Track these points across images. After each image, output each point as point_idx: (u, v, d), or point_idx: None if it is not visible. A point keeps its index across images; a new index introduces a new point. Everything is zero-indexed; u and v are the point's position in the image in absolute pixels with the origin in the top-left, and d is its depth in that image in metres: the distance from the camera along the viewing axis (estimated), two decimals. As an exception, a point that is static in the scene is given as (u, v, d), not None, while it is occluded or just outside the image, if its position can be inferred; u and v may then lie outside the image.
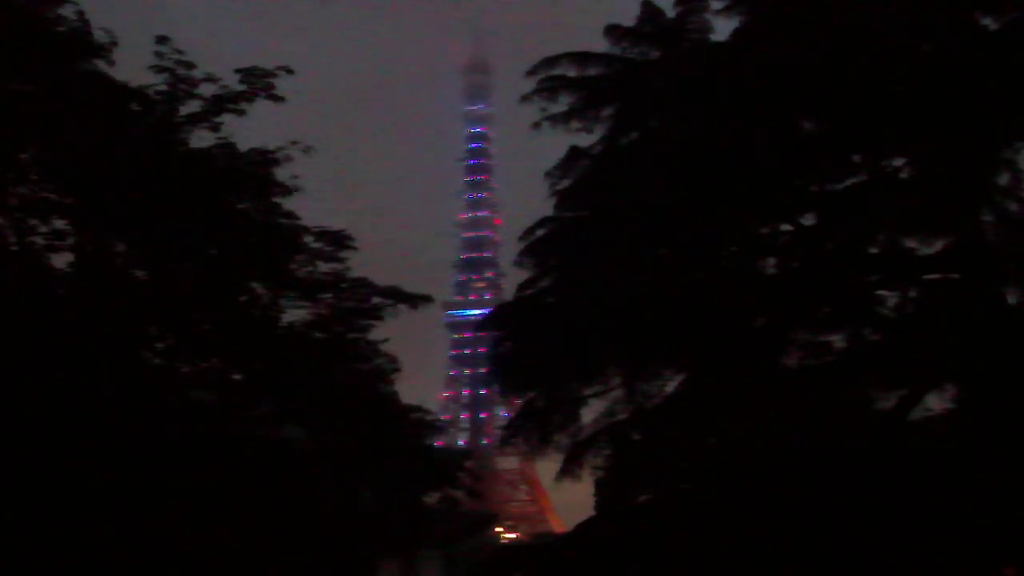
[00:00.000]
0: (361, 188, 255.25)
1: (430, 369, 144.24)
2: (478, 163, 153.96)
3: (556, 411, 15.62)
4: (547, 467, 17.08)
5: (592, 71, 15.76)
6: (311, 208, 19.47)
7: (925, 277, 14.01)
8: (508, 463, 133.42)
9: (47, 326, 15.21)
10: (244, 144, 18.08)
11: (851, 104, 12.79)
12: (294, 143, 18.17)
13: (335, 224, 20.17)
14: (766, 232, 14.75)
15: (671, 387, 14.97)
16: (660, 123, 15.20)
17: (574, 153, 15.62)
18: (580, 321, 13.99)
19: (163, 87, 17.26)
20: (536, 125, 15.71)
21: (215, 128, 17.64)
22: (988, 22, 12.90)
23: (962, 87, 12.12)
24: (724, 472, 13.70)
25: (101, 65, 16.53)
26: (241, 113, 17.73)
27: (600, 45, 15.87)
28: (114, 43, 16.53)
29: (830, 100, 13.00)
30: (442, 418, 61.93)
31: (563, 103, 15.62)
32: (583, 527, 16.01)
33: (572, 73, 15.76)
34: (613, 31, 15.80)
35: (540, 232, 15.80)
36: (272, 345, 18.81)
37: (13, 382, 14.64)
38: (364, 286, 20.96)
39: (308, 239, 19.54)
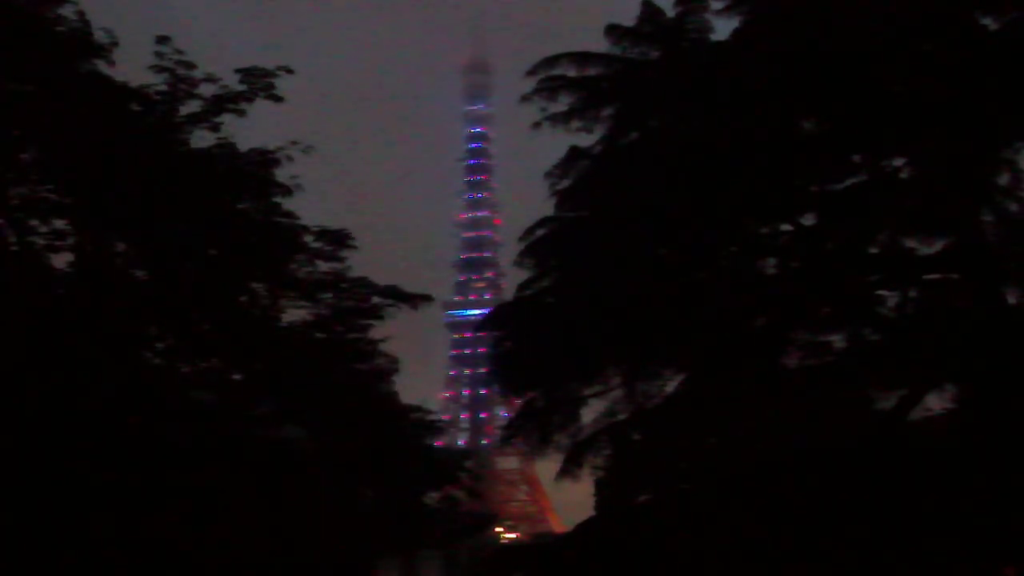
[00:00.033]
0: (361, 188, 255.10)
1: (430, 369, 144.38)
2: (478, 163, 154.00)
3: (556, 411, 15.63)
4: (547, 467, 17.14)
5: (592, 71, 15.76)
6: (311, 208, 19.49)
7: (925, 277, 14.01)
8: (508, 463, 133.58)
9: (47, 326, 15.21)
10: (244, 144, 18.10)
11: (851, 104, 12.79)
12: (294, 143, 18.18)
13: (335, 224, 20.19)
14: (766, 232, 14.74)
15: (671, 387, 14.98)
16: (660, 123, 15.19)
17: (574, 153, 15.62)
18: (580, 321, 14.00)
19: (163, 87, 17.26)
20: (536, 125, 15.71)
21: (215, 128, 17.64)
22: (988, 22, 12.90)
23: (962, 87, 12.13)
24: (724, 472, 13.70)
25: (101, 65, 16.53)
26: (241, 113, 17.74)
27: (600, 45, 15.89)
28: (114, 43, 16.53)
29: (830, 100, 13.00)
30: (442, 418, 61.90)
31: (563, 103, 15.62)
32: (583, 527, 16.02)
33: (572, 73, 15.76)
34: (613, 31, 15.79)
35: (540, 232, 15.80)
36: (272, 345, 18.80)
37: (13, 382, 14.64)
38: (364, 286, 20.96)
39: (308, 239, 19.54)
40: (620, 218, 14.12)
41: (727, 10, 14.64)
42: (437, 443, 38.24)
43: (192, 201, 16.81)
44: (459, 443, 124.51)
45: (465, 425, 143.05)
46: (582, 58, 15.77)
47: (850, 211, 13.88)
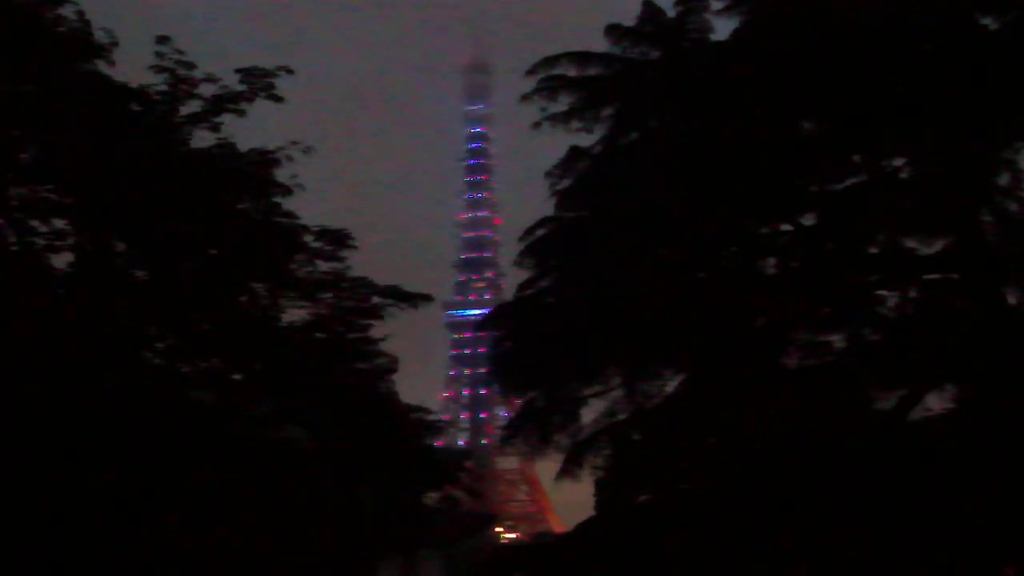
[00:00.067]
0: (361, 188, 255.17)
1: (430, 369, 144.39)
2: (478, 163, 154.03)
3: (556, 411, 15.63)
4: (547, 467, 17.12)
5: (592, 71, 15.76)
6: (311, 208, 19.50)
7: (925, 277, 14.01)
8: (508, 463, 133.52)
9: (47, 326, 15.21)
10: (244, 144, 18.10)
11: (851, 104, 12.79)
12: (294, 143, 18.18)
13: (335, 224, 20.19)
14: (766, 232, 14.74)
15: (671, 387, 14.98)
16: (660, 123, 15.19)
17: (574, 153, 15.63)
18: (580, 321, 14.00)
19: (163, 87, 17.26)
20: (536, 125, 15.72)
21: (215, 128, 17.64)
22: (988, 22, 12.90)
23: (962, 87, 12.12)
24: (724, 472, 13.70)
25: (101, 65, 16.53)
26: (241, 113, 17.74)
27: (600, 45, 15.90)
28: (114, 43, 16.53)
29: (830, 100, 13.00)
30: (442, 418, 61.95)
31: (563, 103, 15.62)
32: (583, 527, 16.02)
33: (572, 73, 15.77)
34: (613, 31, 15.80)
35: (540, 232, 15.81)
36: (272, 345, 18.81)
37: (13, 382, 14.64)
38: (364, 286, 20.96)
39: (308, 238, 19.54)
40: (620, 218, 14.12)
41: (727, 10, 14.64)
42: (437, 443, 38.26)
43: (192, 201, 16.81)
44: (459, 443, 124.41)
45: (465, 425, 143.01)
46: (582, 58, 15.77)
47: (850, 211, 13.87)
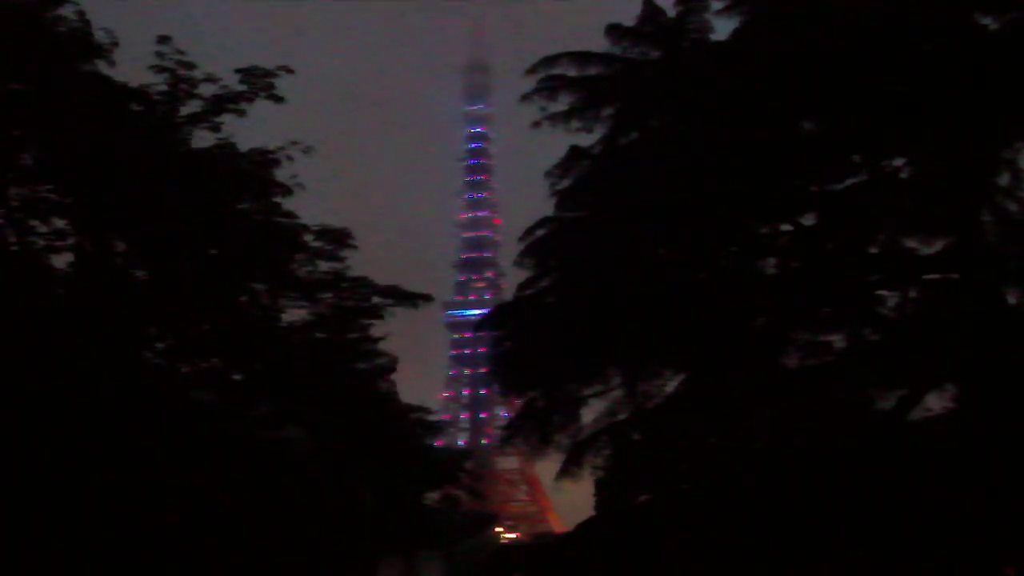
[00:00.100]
0: (361, 188, 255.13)
1: (430, 369, 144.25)
2: (478, 163, 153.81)
3: (556, 411, 15.62)
4: (547, 467, 17.10)
5: (592, 71, 15.76)
6: (311, 208, 19.52)
7: (925, 277, 14.01)
8: (508, 463, 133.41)
9: (47, 326, 15.21)
10: (244, 144, 18.11)
11: (851, 104, 12.79)
12: (294, 143, 18.20)
13: (335, 223, 20.21)
14: (766, 232, 14.74)
15: (671, 387, 14.97)
16: (660, 123, 15.19)
17: (574, 153, 15.62)
18: (580, 321, 13.99)
19: (163, 87, 17.27)
20: (536, 124, 15.71)
21: (215, 128, 17.65)
22: (988, 22, 12.90)
23: (962, 87, 12.12)
24: (724, 472, 13.70)
25: (101, 66, 16.54)
26: (241, 113, 17.76)
27: (600, 45, 15.89)
28: (115, 44, 16.54)
29: (830, 100, 12.99)
30: (442, 418, 61.94)
31: (563, 103, 15.62)
32: (583, 527, 16.01)
33: (572, 73, 15.76)
34: (613, 31, 15.79)
35: (540, 232, 15.80)
36: (272, 345, 18.82)
37: (13, 382, 14.64)
38: (364, 285, 20.99)
39: (308, 238, 19.56)
40: (620, 218, 14.11)
41: (727, 10, 14.64)
42: (437, 443, 38.30)
43: (192, 201, 16.81)
44: (459, 443, 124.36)
45: (465, 425, 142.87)
46: (582, 58, 15.77)
47: (850, 211, 13.87)
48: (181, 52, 17.19)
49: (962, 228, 13.25)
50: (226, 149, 17.81)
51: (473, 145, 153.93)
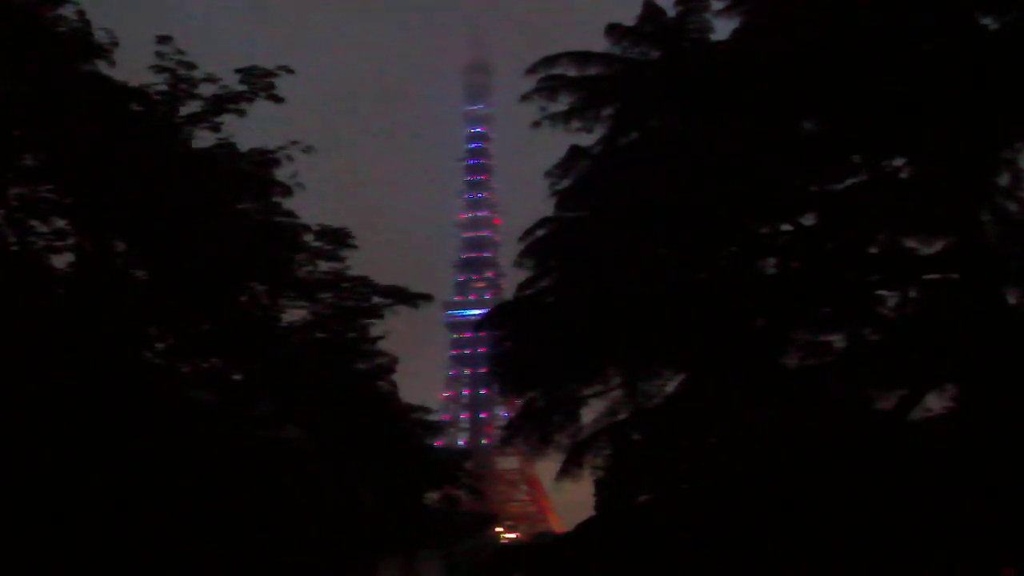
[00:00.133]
0: (361, 188, 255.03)
1: (430, 369, 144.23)
2: (478, 163, 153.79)
3: (556, 411, 15.61)
4: (547, 467, 17.11)
5: (592, 71, 15.75)
6: (311, 207, 19.53)
7: (925, 277, 14.01)
8: (508, 463, 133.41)
9: (47, 326, 15.21)
10: (244, 144, 18.11)
11: (851, 104, 12.79)
12: (294, 143, 18.20)
13: (335, 224, 20.22)
14: (766, 232, 14.74)
15: (671, 387, 14.97)
16: (660, 123, 15.19)
17: (574, 153, 15.62)
18: (580, 321, 13.99)
19: (164, 87, 17.27)
20: (536, 124, 15.71)
21: (215, 128, 17.66)
22: (988, 22, 12.90)
23: (962, 87, 12.12)
24: (724, 472, 13.70)
25: (102, 66, 16.54)
26: (241, 113, 17.77)
27: (600, 45, 15.90)
28: (115, 44, 16.54)
29: (830, 100, 12.99)
30: (442, 418, 61.93)
31: (563, 103, 15.62)
32: (583, 527, 16.01)
33: (572, 73, 15.76)
34: (613, 31, 15.79)
35: (540, 232, 15.80)
36: (272, 345, 18.82)
37: (13, 382, 14.64)
38: (364, 285, 20.99)
39: (308, 238, 19.56)
40: (620, 218, 14.11)
41: (727, 10, 14.64)
42: (437, 443, 38.29)
43: (192, 201, 16.81)
44: (459, 443, 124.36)
45: (465, 425, 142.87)
46: (582, 58, 15.77)
47: (850, 211, 13.87)
48: (181, 52, 17.20)
49: (962, 228, 13.25)
50: (226, 149, 17.81)
51: (473, 145, 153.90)
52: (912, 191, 13.52)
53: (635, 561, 14.04)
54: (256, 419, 19.42)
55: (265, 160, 18.12)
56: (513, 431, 16.37)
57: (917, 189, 13.53)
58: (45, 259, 16.64)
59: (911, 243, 13.70)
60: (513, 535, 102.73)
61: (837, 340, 13.97)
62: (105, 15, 16.85)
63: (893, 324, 13.76)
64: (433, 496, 29.89)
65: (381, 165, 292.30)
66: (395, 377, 25.10)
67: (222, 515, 16.62)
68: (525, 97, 15.74)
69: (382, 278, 21.44)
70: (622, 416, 15.09)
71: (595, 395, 15.34)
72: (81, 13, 16.19)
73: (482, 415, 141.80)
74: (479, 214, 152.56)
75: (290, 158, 18.14)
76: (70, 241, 16.79)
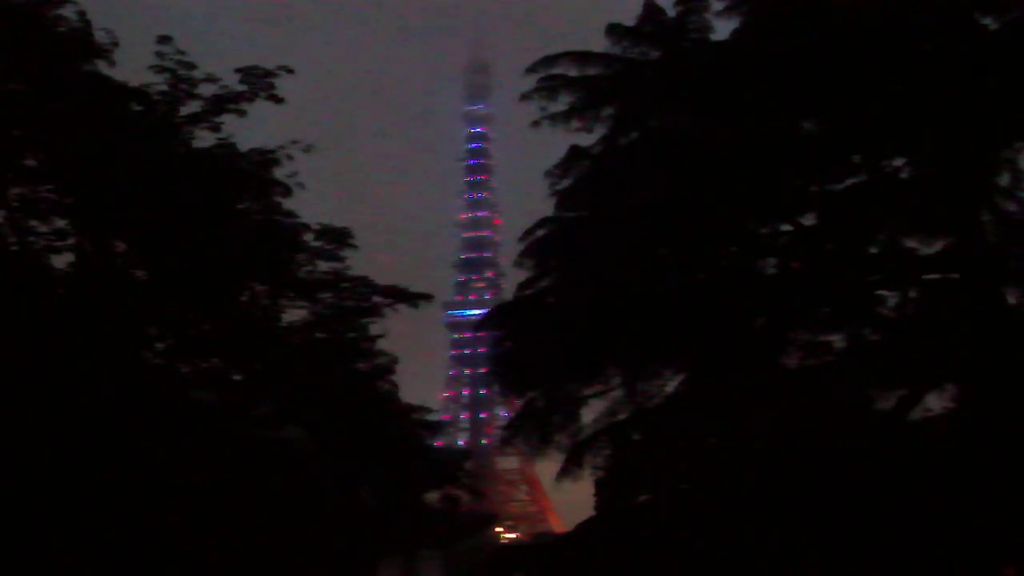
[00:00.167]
0: (361, 188, 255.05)
1: (430, 369, 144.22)
2: (478, 163, 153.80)
3: (556, 411, 15.62)
4: (547, 467, 17.10)
5: (592, 71, 15.75)
6: (312, 207, 19.51)
7: (925, 277, 14.01)
8: (508, 463, 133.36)
9: (47, 326, 15.21)
10: (244, 144, 18.10)
11: (851, 104, 12.79)
12: (294, 142, 18.19)
13: (336, 223, 20.19)
14: (766, 232, 14.74)
15: (671, 387, 14.97)
16: (660, 123, 15.19)
17: (574, 153, 15.62)
18: (580, 321, 13.99)
19: (164, 87, 17.26)
20: (536, 124, 15.71)
21: (215, 128, 17.65)
22: (988, 22, 12.90)
23: (962, 87, 12.12)
24: (724, 472, 13.70)
25: (102, 66, 16.54)
26: (242, 114, 17.75)
27: (600, 45, 15.89)
28: (115, 44, 16.54)
29: (830, 100, 12.99)
30: (442, 418, 61.93)
31: (563, 102, 15.62)
32: (583, 527, 16.02)
33: (572, 72, 15.76)
34: (613, 31, 15.79)
35: (540, 232, 15.80)
36: (272, 345, 18.81)
37: (13, 382, 14.64)
38: (364, 285, 20.97)
39: (308, 237, 19.54)
40: (620, 218, 14.11)
41: (727, 10, 14.64)
42: (437, 443, 38.28)
43: (192, 201, 16.81)
44: (459, 443, 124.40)
45: (465, 425, 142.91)
46: (582, 57, 15.76)
47: (850, 211, 13.87)
48: (181, 52, 17.19)
49: (962, 228, 13.26)
50: (226, 149, 17.79)
51: (473, 145, 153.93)
52: (912, 191, 13.52)
53: (635, 561, 14.05)
54: (256, 419, 19.41)
55: (265, 160, 18.10)
56: (513, 431, 16.37)
57: (917, 189, 13.53)
58: (45, 259, 16.63)
59: (911, 243, 13.71)
60: (513, 535, 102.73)
61: (837, 340, 13.98)
62: (105, 15, 16.84)
63: (893, 324, 13.76)
64: (433, 496, 29.88)
65: (381, 165, 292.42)
66: (395, 377, 25.10)
67: (222, 515, 16.62)
68: (525, 97, 15.75)
69: (382, 278, 21.44)
70: (622, 416, 15.09)
71: (595, 395, 15.34)
72: (81, 13, 16.19)
73: (482, 415, 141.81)
74: (479, 214, 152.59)
75: (290, 157, 18.13)
76: (70, 241, 16.78)
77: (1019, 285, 13.24)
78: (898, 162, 13.78)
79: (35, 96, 15.75)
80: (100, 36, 16.43)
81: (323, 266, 20.05)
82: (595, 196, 15.30)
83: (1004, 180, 13.35)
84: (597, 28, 16.01)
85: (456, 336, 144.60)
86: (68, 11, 16.08)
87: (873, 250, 14.20)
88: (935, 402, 13.35)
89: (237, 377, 19.40)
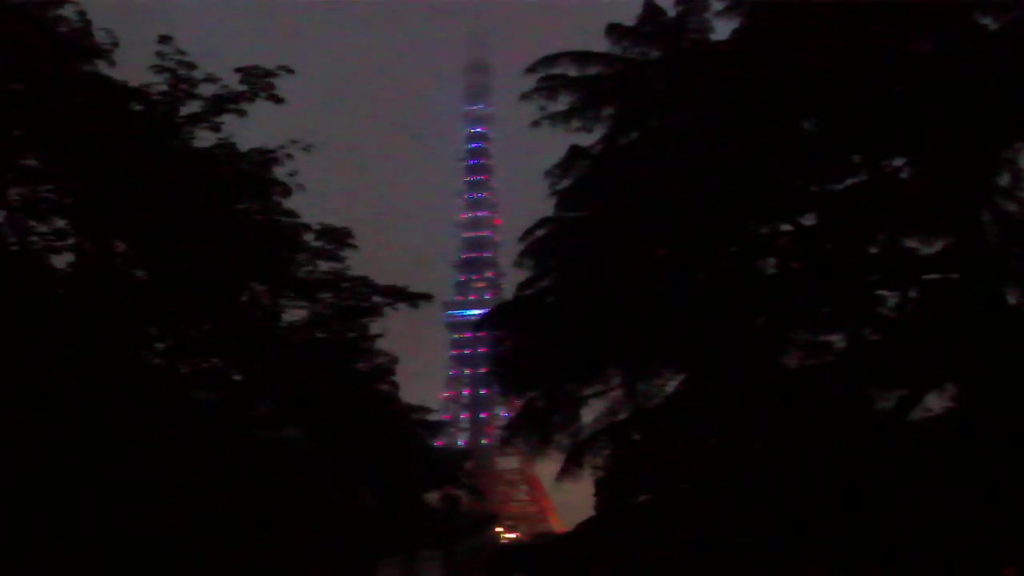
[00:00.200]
0: (361, 188, 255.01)
1: (430, 369, 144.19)
2: (478, 163, 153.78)
3: (556, 411, 15.62)
4: (547, 467, 17.10)
5: (592, 70, 15.76)
6: (312, 207, 19.51)
7: (925, 277, 14.01)
8: (508, 463, 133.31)
9: (47, 326, 15.21)
10: (244, 144, 18.10)
11: (851, 104, 12.79)
12: (294, 142, 18.19)
13: (336, 223, 20.19)
14: (766, 232, 14.74)
15: (671, 387, 14.97)
16: (660, 123, 15.19)
17: (574, 153, 15.62)
18: (580, 321, 13.99)
19: (164, 87, 17.26)
20: (536, 124, 15.72)
21: (215, 128, 17.64)
22: (988, 22, 12.91)
23: (962, 87, 12.12)
24: (724, 472, 13.70)
25: (102, 66, 16.54)
26: (242, 113, 17.74)
27: (600, 45, 15.90)
28: (115, 44, 16.54)
29: (830, 100, 12.99)
30: (442, 418, 61.95)
31: (563, 102, 15.62)
32: (583, 527, 16.02)
33: (572, 72, 15.77)
34: (613, 31, 15.80)
35: (540, 232, 15.80)
36: (272, 345, 18.80)
37: (13, 382, 14.64)
38: (364, 285, 20.96)
39: (309, 237, 19.53)
40: (620, 218, 14.11)
41: (727, 10, 14.64)
42: (437, 443, 38.29)
43: (192, 201, 16.81)
44: (459, 443, 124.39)
45: (465, 425, 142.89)
46: (582, 57, 15.77)
47: (850, 211, 13.87)
48: (182, 52, 17.18)
49: (962, 228, 13.26)
50: (226, 149, 17.79)
51: (473, 145, 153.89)
52: (912, 191, 13.52)
53: (635, 561, 14.05)
54: (256, 419, 19.41)
55: (265, 160, 18.10)
56: (513, 431, 16.37)
57: (917, 189, 13.53)
58: (45, 259, 16.63)
59: (911, 243, 13.71)
60: (513, 535, 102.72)
61: (837, 340, 13.98)
62: (105, 15, 16.84)
63: (893, 324, 13.77)
64: (433, 496, 29.90)
65: (381, 165, 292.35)
66: (395, 377, 25.10)
67: (222, 515, 16.62)
68: (525, 96, 15.75)
69: (382, 278, 21.43)
70: (622, 416, 15.09)
71: (595, 395, 15.34)
72: (82, 13, 16.19)
73: (482, 415, 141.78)
74: (479, 214, 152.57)
75: (290, 156, 18.13)
76: (70, 241, 16.78)
77: (1019, 285, 13.24)
78: (898, 162, 13.78)
79: (35, 96, 15.74)
80: (100, 36, 16.44)
81: (323, 266, 20.04)
82: (595, 196, 15.31)
83: (1004, 180, 13.35)
84: (597, 28, 16.04)
85: (456, 336, 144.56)
86: (68, 11, 16.11)
87: (873, 250, 14.20)
88: (935, 402, 13.36)
89: (237, 377, 19.40)
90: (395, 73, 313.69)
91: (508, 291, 55.05)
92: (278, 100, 18.01)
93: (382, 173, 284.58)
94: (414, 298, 21.65)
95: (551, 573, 16.15)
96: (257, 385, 19.35)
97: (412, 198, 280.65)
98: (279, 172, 18.27)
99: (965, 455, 12.22)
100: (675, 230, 14.17)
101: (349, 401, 20.68)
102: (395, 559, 30.65)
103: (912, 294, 13.92)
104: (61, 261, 16.83)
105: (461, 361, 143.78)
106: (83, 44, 16.20)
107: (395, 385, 25.46)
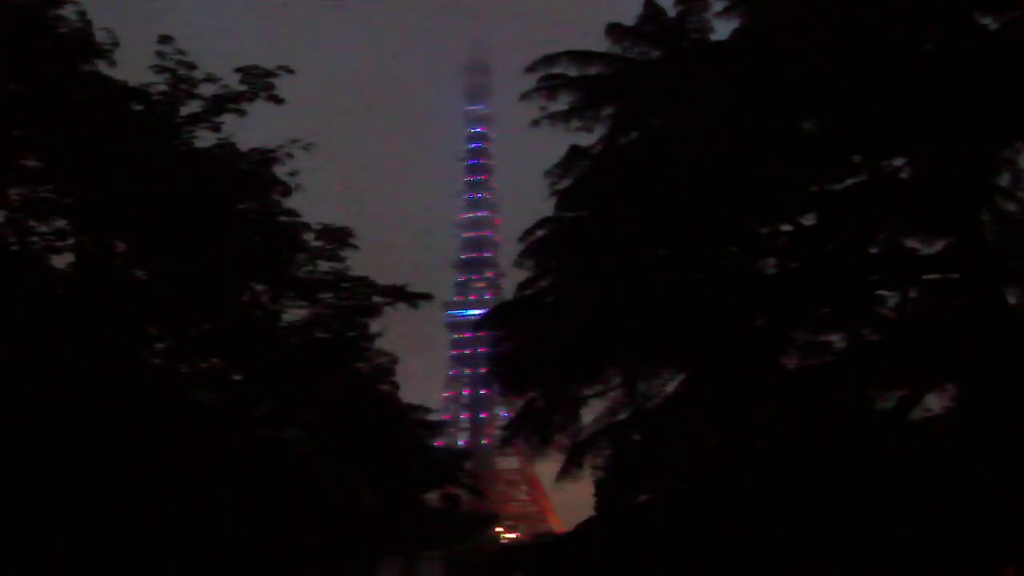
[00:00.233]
0: (361, 188, 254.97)
1: (430, 369, 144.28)
2: (478, 163, 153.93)
3: (556, 411, 15.62)
4: (547, 467, 17.10)
5: (592, 70, 15.77)
6: (311, 207, 19.51)
7: (925, 277, 14.01)
8: (508, 463, 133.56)
9: (47, 326, 15.21)
10: (244, 144, 18.10)
11: (851, 104, 12.79)
12: (294, 141, 18.19)
13: (336, 223, 20.19)
14: (766, 232, 14.75)
15: (671, 387, 14.97)
16: (660, 123, 15.19)
17: (574, 152, 15.62)
18: (580, 321, 13.99)
19: (164, 87, 17.26)
20: (536, 123, 15.73)
21: (215, 128, 17.64)
22: (988, 22, 12.90)
23: (962, 87, 12.12)
24: (724, 472, 13.70)
25: (102, 66, 16.54)
26: (242, 114, 17.75)
27: (600, 45, 15.91)
28: (115, 44, 16.54)
29: (830, 100, 13.00)
30: (442, 418, 61.87)
31: (563, 102, 15.63)
32: (583, 527, 16.01)
33: (572, 72, 15.78)
34: (613, 31, 15.80)
35: (540, 232, 15.81)
36: (272, 345, 18.80)
37: (13, 382, 14.64)
38: (365, 285, 20.95)
39: (309, 237, 19.53)
40: (620, 218, 14.12)
41: (727, 10, 14.64)
42: (437, 443, 38.23)
43: (192, 201, 16.81)
44: (459, 443, 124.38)
45: (465, 425, 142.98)
46: (582, 57, 15.78)
47: (850, 211, 13.87)
48: (182, 52, 17.19)
49: (962, 228, 13.26)
50: (226, 149, 17.79)
51: (473, 145, 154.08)
52: (912, 191, 13.52)
53: (635, 561, 14.04)
54: (256, 419, 19.41)
55: (265, 159, 18.11)
56: (513, 431, 16.38)
57: (917, 189, 13.53)
58: (45, 259, 16.63)
59: (911, 243, 13.72)
60: (513, 535, 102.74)
61: (837, 340, 13.99)
62: (105, 15, 16.85)
63: (893, 324, 13.77)
64: (433, 496, 29.86)
65: (381, 165, 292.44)
66: (395, 377, 25.07)
67: (222, 515, 16.61)
68: (525, 97, 15.75)
69: (382, 278, 21.42)
70: (622, 416, 15.09)
71: (595, 395, 15.34)
72: (82, 13, 16.20)
73: (482, 415, 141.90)
74: (479, 214, 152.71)
75: (290, 155, 18.14)
76: (70, 241, 16.78)
77: (1019, 285, 13.24)
78: (898, 162, 13.79)
79: (35, 96, 15.74)
80: (100, 36, 16.44)
81: (323, 266, 20.04)
82: (595, 196, 15.31)
83: (1004, 180, 13.36)
84: (597, 28, 16.04)
85: (456, 336, 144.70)
86: (68, 11, 16.11)
87: (873, 250, 14.20)
88: (935, 402, 13.37)
89: (237, 377, 19.39)
90: (395, 73, 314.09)
91: (508, 291, 55.03)
92: (278, 100, 18.02)
93: (382, 173, 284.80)
94: (414, 298, 21.65)
95: (551, 573, 16.14)
96: (257, 385, 19.34)
97: (412, 198, 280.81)
98: (279, 172, 18.30)
99: (965, 455, 12.22)
100: (675, 230, 14.17)
101: (349, 401, 20.66)
102: (395, 559, 30.63)
103: (912, 294, 13.92)
104: (61, 261, 16.86)
105: (461, 361, 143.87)
106: (83, 44, 16.19)
107: (395, 385, 25.43)
